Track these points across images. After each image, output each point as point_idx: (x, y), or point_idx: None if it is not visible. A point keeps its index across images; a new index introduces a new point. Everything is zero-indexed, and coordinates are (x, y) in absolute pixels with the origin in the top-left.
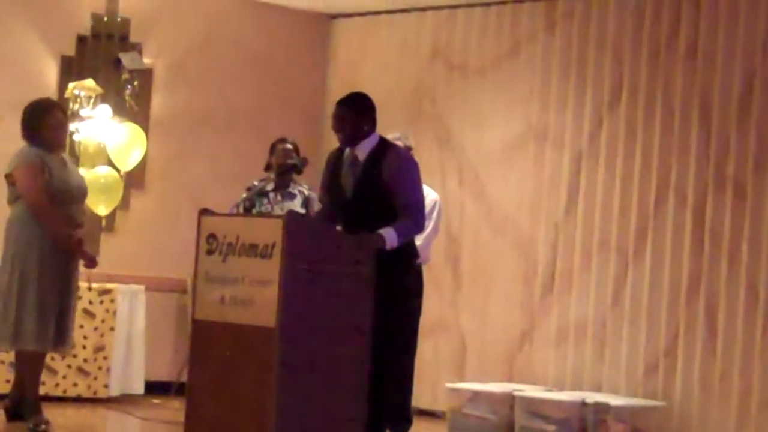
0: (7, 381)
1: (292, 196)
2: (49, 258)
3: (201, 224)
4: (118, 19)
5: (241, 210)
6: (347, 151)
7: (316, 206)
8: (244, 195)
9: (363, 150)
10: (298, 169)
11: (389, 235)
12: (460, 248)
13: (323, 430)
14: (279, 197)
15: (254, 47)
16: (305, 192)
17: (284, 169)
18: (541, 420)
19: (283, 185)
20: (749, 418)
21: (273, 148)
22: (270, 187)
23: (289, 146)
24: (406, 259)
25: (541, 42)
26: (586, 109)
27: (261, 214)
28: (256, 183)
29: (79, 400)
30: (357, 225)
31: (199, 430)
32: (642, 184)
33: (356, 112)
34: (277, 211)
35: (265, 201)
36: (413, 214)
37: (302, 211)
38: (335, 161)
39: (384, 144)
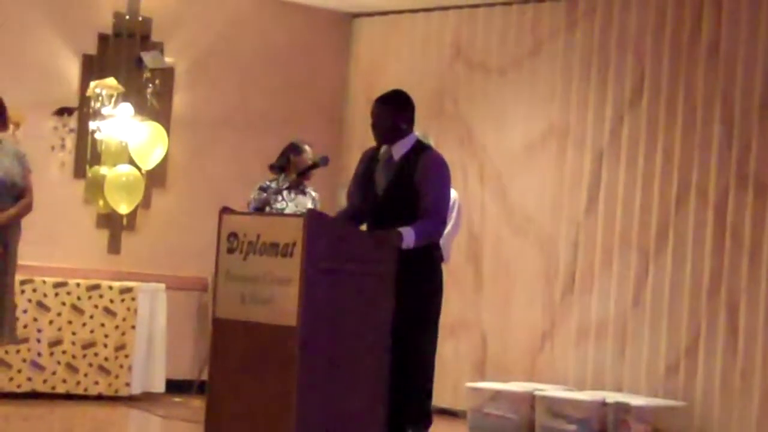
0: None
1: (305, 194)
2: None
3: (222, 223)
4: (140, 18)
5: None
6: (383, 149)
7: (319, 208)
8: (256, 194)
9: (399, 150)
10: (315, 168)
11: (407, 235)
12: (482, 247)
13: (344, 428)
14: (293, 194)
15: (275, 46)
16: (312, 193)
17: (308, 167)
18: (562, 420)
19: (298, 184)
20: None
21: (295, 149)
22: (285, 185)
23: (310, 150)
24: (429, 260)
25: (562, 41)
26: (607, 108)
27: (278, 213)
28: (268, 182)
29: (100, 398)
30: (384, 224)
31: (219, 428)
32: (663, 182)
33: (394, 111)
34: (291, 207)
35: (280, 198)
36: (434, 218)
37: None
38: (370, 158)
39: (420, 145)
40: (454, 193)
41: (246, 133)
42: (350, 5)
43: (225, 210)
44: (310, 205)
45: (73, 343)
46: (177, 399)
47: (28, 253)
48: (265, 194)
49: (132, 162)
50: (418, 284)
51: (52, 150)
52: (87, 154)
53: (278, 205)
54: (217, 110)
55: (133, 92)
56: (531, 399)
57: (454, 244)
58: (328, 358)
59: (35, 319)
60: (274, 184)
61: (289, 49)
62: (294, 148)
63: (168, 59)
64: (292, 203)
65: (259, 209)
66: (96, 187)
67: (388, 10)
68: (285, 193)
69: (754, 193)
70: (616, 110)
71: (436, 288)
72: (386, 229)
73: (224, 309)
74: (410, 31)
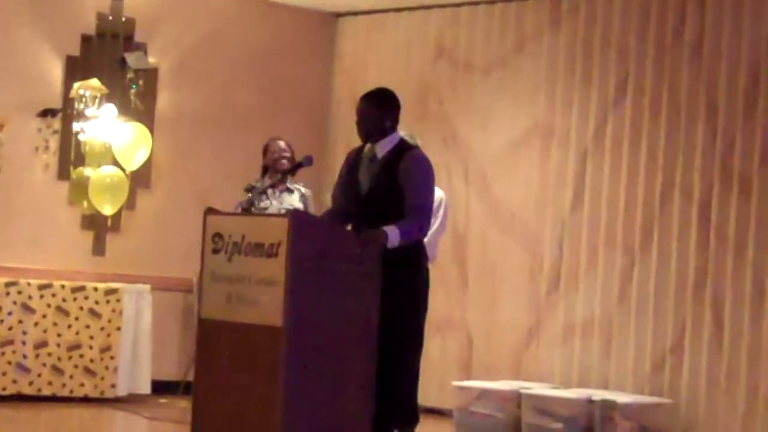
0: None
1: (290, 192)
2: None
3: (206, 223)
4: (123, 19)
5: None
6: (367, 148)
7: (311, 204)
8: (243, 196)
9: (382, 148)
10: (299, 167)
11: (392, 234)
12: (467, 246)
13: (330, 428)
14: (277, 193)
15: (259, 46)
16: (302, 190)
17: (291, 168)
18: (549, 418)
19: (282, 181)
20: (756, 414)
21: (266, 149)
22: (268, 183)
23: (282, 143)
24: (415, 259)
25: (546, 40)
26: (591, 107)
27: (263, 213)
28: (254, 183)
29: (86, 400)
30: (369, 223)
31: (206, 429)
32: (648, 180)
33: (379, 108)
34: (276, 206)
35: (264, 198)
36: (418, 217)
37: (300, 206)
38: (354, 158)
39: (404, 144)
40: (440, 193)
41: (230, 133)
42: (334, 5)
43: (209, 210)
44: (297, 202)
45: (59, 345)
46: (163, 400)
47: (13, 255)
48: (250, 195)
49: (116, 163)
50: (404, 283)
51: (36, 151)
52: (71, 156)
53: (262, 205)
54: (201, 110)
55: (116, 93)
56: (517, 397)
57: (440, 242)
58: (315, 358)
59: (20, 322)
60: (258, 185)
61: (272, 48)
62: (263, 150)
63: (151, 60)
64: (276, 201)
65: (246, 210)
66: (80, 189)
67: (372, 10)
68: (270, 191)
69: (738, 191)
70: (601, 109)
71: (422, 287)
72: (371, 229)
73: (210, 310)
74: (394, 31)
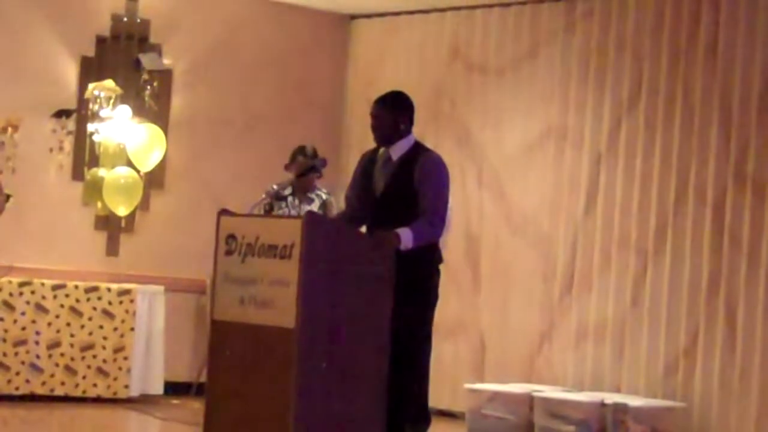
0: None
1: (310, 201)
2: None
3: (220, 225)
4: (138, 20)
5: (261, 212)
6: (381, 150)
7: (334, 210)
8: (263, 196)
9: (397, 151)
10: (317, 169)
11: (405, 236)
12: (480, 248)
13: (343, 429)
14: (297, 201)
15: (274, 48)
16: (323, 196)
17: (303, 170)
18: (561, 421)
19: (301, 189)
20: None
21: (294, 157)
22: (288, 191)
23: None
24: (427, 261)
25: (560, 42)
26: (605, 109)
27: (278, 215)
28: (275, 186)
29: (99, 400)
30: (383, 225)
31: (218, 430)
32: (661, 183)
33: (393, 111)
34: (294, 214)
35: (284, 204)
36: (432, 220)
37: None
38: (369, 160)
39: (419, 147)
40: None
41: (244, 135)
42: (348, 7)
43: (223, 212)
44: (316, 209)
45: (72, 346)
46: (175, 401)
47: (26, 255)
48: (263, 196)
49: (130, 164)
50: (416, 285)
51: (51, 152)
52: (85, 156)
53: (281, 212)
54: (216, 112)
55: (131, 94)
56: (529, 400)
57: (449, 244)
58: (327, 360)
59: (34, 322)
60: (279, 188)
61: (287, 50)
62: (292, 154)
63: (166, 61)
64: (294, 210)
65: (266, 213)
66: (94, 189)
67: (386, 12)
68: (290, 199)
69: (752, 194)
70: (614, 111)
71: (434, 289)
72: (385, 230)
73: (223, 311)
74: (408, 33)
